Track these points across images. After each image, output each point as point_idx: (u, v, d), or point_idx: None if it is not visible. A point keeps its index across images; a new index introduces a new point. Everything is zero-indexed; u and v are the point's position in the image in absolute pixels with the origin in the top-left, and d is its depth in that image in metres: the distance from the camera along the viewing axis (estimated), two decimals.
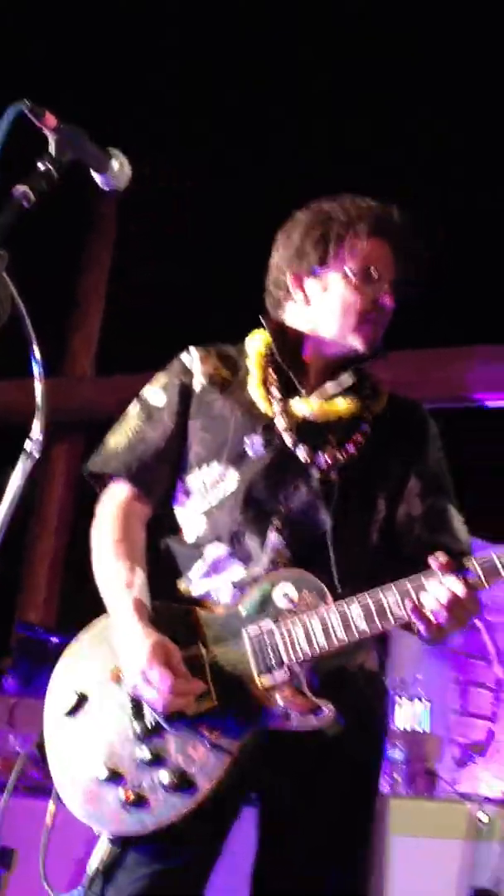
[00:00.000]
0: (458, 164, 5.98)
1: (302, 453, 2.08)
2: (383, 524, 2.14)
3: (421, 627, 1.89)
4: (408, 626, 1.95)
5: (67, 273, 7.02)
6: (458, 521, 2.19)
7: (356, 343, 2.14)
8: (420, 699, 4.90)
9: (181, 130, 6.37)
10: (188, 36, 6.10)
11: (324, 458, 2.09)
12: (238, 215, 6.23)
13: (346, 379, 2.17)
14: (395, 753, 4.10)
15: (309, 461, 2.08)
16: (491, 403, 5.64)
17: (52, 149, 1.74)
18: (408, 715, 4.75)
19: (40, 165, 1.72)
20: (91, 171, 1.84)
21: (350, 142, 5.75)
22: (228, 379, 2.20)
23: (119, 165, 1.85)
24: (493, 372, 5.54)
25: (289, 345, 2.18)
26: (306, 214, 2.20)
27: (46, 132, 1.75)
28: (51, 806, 1.97)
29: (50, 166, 1.73)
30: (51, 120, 1.75)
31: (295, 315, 2.21)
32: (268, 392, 2.15)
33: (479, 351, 5.63)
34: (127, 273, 7.02)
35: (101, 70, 6.04)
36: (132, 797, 1.87)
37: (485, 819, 3.97)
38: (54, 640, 4.77)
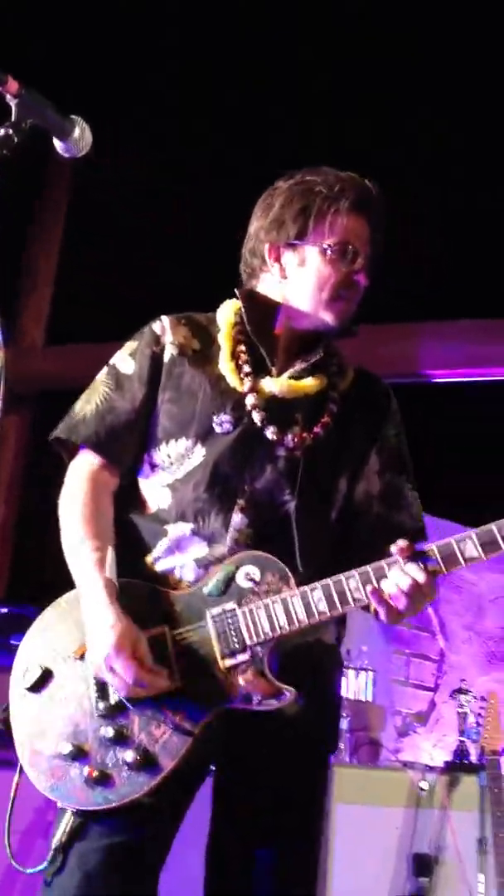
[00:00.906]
0: (458, 165, 5.99)
1: (270, 432, 2.06)
2: (342, 502, 2.13)
3: (381, 612, 1.90)
4: (366, 607, 1.96)
5: (17, 242, 6.92)
6: (414, 500, 2.18)
7: (328, 318, 2.12)
8: (364, 670, 4.97)
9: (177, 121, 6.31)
10: (188, 36, 6.04)
11: (291, 438, 2.07)
12: (191, 186, 6.20)
13: (315, 356, 2.14)
14: (340, 723, 4.16)
15: (276, 440, 2.06)
16: (438, 379, 5.70)
17: (13, 114, 1.72)
18: (352, 685, 4.82)
19: (0, 130, 1.70)
20: (52, 137, 1.82)
21: (350, 142, 5.70)
22: (198, 350, 2.16)
23: (80, 132, 1.83)
24: (440, 348, 5.59)
25: (260, 315, 2.15)
26: (288, 185, 2.16)
27: (8, 97, 1.73)
28: (15, 778, 1.96)
29: (10, 131, 1.71)
30: (13, 85, 1.72)
31: (269, 286, 2.18)
32: (238, 367, 2.12)
33: (426, 327, 5.67)
34: (79, 243, 6.94)
35: (102, 70, 5.95)
36: (96, 774, 1.87)
37: (425, 787, 4.05)
38: (3, 610, 4.74)
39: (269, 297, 2.18)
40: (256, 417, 2.08)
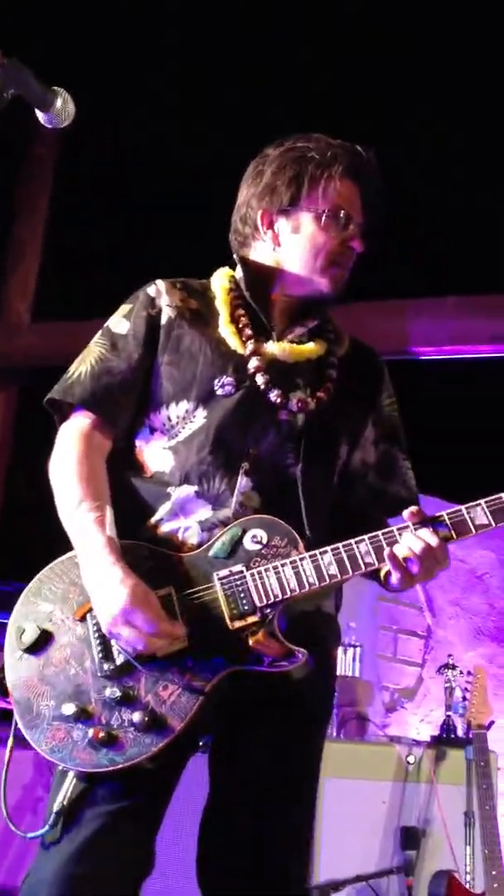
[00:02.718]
0: (447, 142, 5.96)
1: (273, 395, 2.03)
2: (341, 469, 2.10)
3: (394, 575, 1.89)
4: (376, 573, 1.95)
5: (2, 216, 6.86)
6: (408, 470, 2.17)
7: (323, 285, 2.08)
8: (352, 646, 4.99)
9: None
10: (188, 36, 5.98)
11: (295, 402, 2.04)
12: (193, 159, 6.16)
13: (313, 322, 2.12)
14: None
15: (280, 403, 2.03)
16: (425, 357, 5.69)
17: None
18: (340, 661, 4.84)
19: None
20: (34, 108, 1.79)
21: (350, 142, 5.65)
22: (196, 312, 2.12)
23: (62, 103, 1.80)
24: (426, 325, 5.58)
25: (256, 281, 2.11)
26: (279, 152, 2.12)
27: None
28: (10, 741, 1.91)
29: None
30: None
31: (262, 254, 2.14)
32: (239, 331, 2.08)
33: (411, 305, 5.66)
34: (65, 217, 6.89)
35: (102, 70, 5.89)
36: (102, 735, 1.83)
37: (413, 761, 4.07)
38: None
39: (263, 264, 2.13)
40: (260, 380, 2.04)
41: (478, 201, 5.81)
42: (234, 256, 2.19)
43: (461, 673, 4.57)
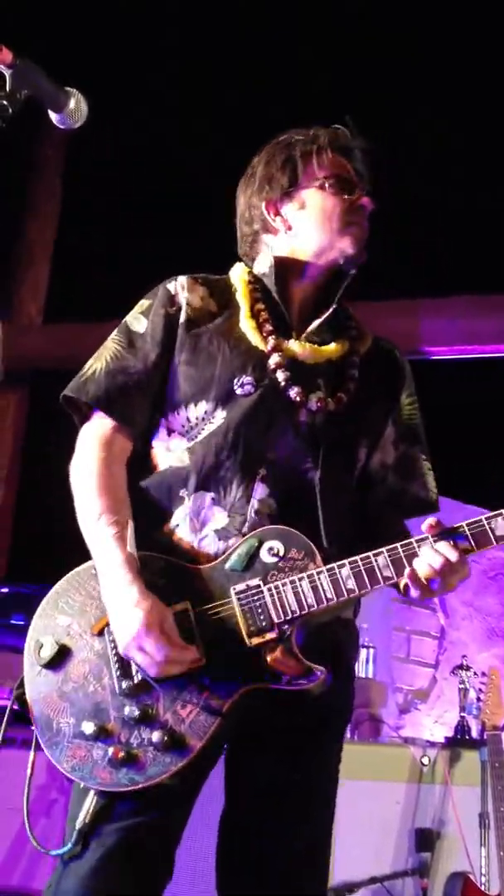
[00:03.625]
0: (458, 139, 5.95)
1: (293, 392, 1.98)
2: (360, 471, 2.07)
3: (413, 591, 1.84)
4: (395, 585, 1.90)
5: (14, 219, 6.87)
6: (428, 471, 2.12)
7: (346, 244, 2.04)
8: (365, 647, 4.97)
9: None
10: (188, 36, 5.99)
11: (315, 402, 2.00)
12: (194, 160, 6.17)
13: (326, 312, 2.07)
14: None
15: (300, 402, 1.99)
16: (436, 356, 5.67)
17: (7, 84, 1.68)
18: None
19: None
20: (47, 109, 1.78)
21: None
22: (215, 312, 2.08)
23: (75, 104, 1.79)
24: (438, 324, 5.56)
25: (281, 273, 2.08)
26: (263, 151, 2.13)
27: (2, 68, 1.68)
28: (31, 756, 1.90)
29: (5, 102, 1.67)
30: (7, 55, 1.68)
31: (277, 246, 2.10)
32: (259, 326, 2.04)
33: (423, 304, 5.64)
34: (76, 218, 6.90)
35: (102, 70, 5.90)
36: (122, 755, 1.81)
37: (427, 763, 4.06)
38: (4, 590, 4.74)
39: (282, 256, 2.10)
40: (280, 377, 1.99)
41: (490, 201, 5.80)
42: (245, 257, 2.16)
43: (475, 674, 4.55)
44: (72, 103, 1.78)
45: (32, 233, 6.90)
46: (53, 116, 1.80)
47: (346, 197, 2.07)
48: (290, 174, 2.09)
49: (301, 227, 2.09)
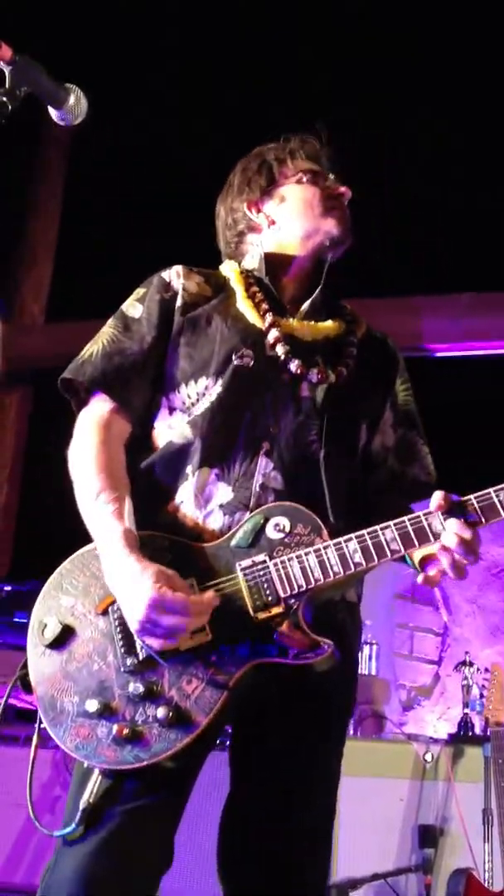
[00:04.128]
0: (460, 140, 5.95)
1: (293, 365, 2.00)
2: (362, 452, 2.07)
3: (442, 563, 1.82)
4: (402, 558, 1.91)
5: (16, 219, 6.87)
6: (427, 454, 2.15)
7: (330, 225, 2.10)
8: (367, 643, 4.97)
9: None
10: (188, 36, 5.99)
11: (315, 373, 2.01)
12: (194, 160, 6.16)
13: (320, 294, 2.10)
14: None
15: (299, 374, 2.00)
16: (439, 354, 5.67)
17: (7, 81, 1.68)
18: None
19: None
20: (47, 105, 1.78)
21: (351, 138, 5.65)
22: (211, 296, 2.11)
23: (75, 100, 1.79)
24: (440, 322, 5.56)
25: (271, 267, 2.12)
26: (237, 164, 2.23)
27: (2, 64, 1.68)
28: (35, 738, 1.89)
29: (4, 99, 1.67)
30: (6, 51, 1.67)
31: (264, 242, 2.16)
32: (256, 305, 2.07)
33: (427, 301, 5.64)
34: (78, 217, 6.90)
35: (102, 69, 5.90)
36: (126, 732, 1.79)
37: (430, 759, 4.06)
38: (7, 588, 4.74)
39: (276, 252, 2.14)
40: (280, 350, 2.01)
41: (491, 198, 5.80)
42: (230, 258, 2.21)
43: (478, 670, 4.55)
44: (71, 100, 1.78)
45: (34, 233, 6.90)
46: (53, 113, 1.79)
47: (324, 185, 2.14)
48: (268, 175, 2.17)
49: (284, 219, 2.14)
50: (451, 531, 1.80)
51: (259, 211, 2.16)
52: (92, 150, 6.37)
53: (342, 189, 2.14)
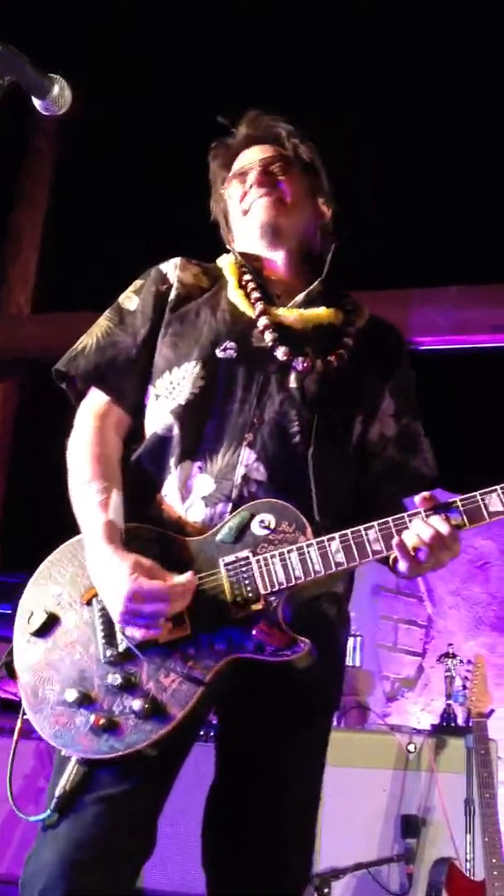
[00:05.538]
0: (449, 134, 5.95)
1: (280, 353, 1.99)
2: (357, 443, 2.05)
3: (402, 564, 1.84)
4: (385, 560, 1.91)
5: (3, 209, 6.84)
6: (428, 446, 2.13)
7: (254, 222, 2.12)
8: (352, 635, 4.98)
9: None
10: (188, 32, 5.98)
11: (301, 361, 1.99)
12: (184, 150, 6.15)
13: (319, 286, 2.08)
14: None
15: (286, 361, 1.99)
16: (426, 346, 5.67)
17: None
18: None
19: None
20: (31, 96, 1.78)
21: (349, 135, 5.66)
22: (205, 287, 2.12)
23: (59, 91, 1.78)
24: (427, 315, 5.56)
25: (250, 263, 2.13)
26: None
27: None
28: (18, 723, 1.91)
29: None
30: None
31: (236, 238, 2.20)
32: (247, 295, 2.07)
33: (413, 294, 5.64)
34: (65, 207, 6.87)
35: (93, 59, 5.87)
36: (103, 721, 1.81)
37: (413, 750, 4.07)
38: None
39: (246, 251, 2.16)
40: (268, 338, 2.01)
41: (480, 190, 5.80)
42: (229, 246, 2.22)
43: (461, 662, 4.57)
44: (55, 90, 1.78)
45: (21, 223, 6.87)
46: (37, 103, 1.79)
47: (241, 183, 2.16)
48: (218, 182, 2.23)
49: (233, 220, 2.20)
50: (431, 523, 1.80)
51: (223, 213, 2.23)
52: (80, 140, 6.34)
53: (249, 183, 2.14)
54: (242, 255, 2.14)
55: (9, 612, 4.36)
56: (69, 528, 2.02)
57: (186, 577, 1.84)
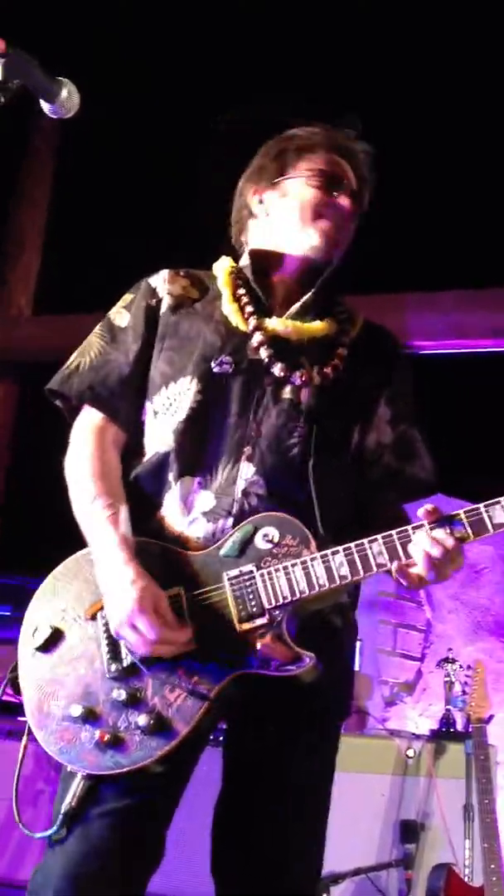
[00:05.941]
0: (447, 137, 5.95)
1: (277, 369, 1.98)
2: (355, 453, 2.04)
3: (403, 581, 1.83)
4: (389, 572, 1.87)
5: (4, 210, 6.84)
6: (426, 452, 2.11)
7: (311, 237, 2.05)
8: None
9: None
10: (188, 31, 5.97)
11: (299, 376, 1.98)
12: (186, 151, 6.15)
13: (312, 297, 2.07)
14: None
15: (283, 377, 1.98)
16: (424, 351, 5.67)
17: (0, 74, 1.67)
18: None
19: None
20: (39, 99, 1.77)
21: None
22: (197, 299, 2.10)
23: (68, 94, 1.78)
24: (426, 319, 5.56)
25: (258, 264, 2.10)
26: (265, 145, 2.17)
27: None
28: (24, 740, 1.90)
29: None
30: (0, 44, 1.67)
31: (257, 231, 2.14)
32: (241, 308, 2.05)
33: (410, 298, 5.63)
34: (67, 208, 6.86)
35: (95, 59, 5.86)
36: (108, 737, 1.81)
37: (412, 755, 4.07)
38: None
39: (261, 249, 2.12)
40: (263, 354, 1.99)
41: (477, 195, 5.80)
42: (235, 243, 2.19)
43: (461, 667, 4.56)
44: (64, 93, 1.78)
45: (22, 224, 6.86)
46: (45, 107, 1.79)
47: (324, 189, 2.08)
48: (280, 166, 2.12)
49: (278, 214, 2.11)
50: (435, 537, 1.79)
51: (261, 200, 2.14)
52: (80, 140, 6.33)
53: (341, 200, 2.08)
54: (256, 252, 2.11)
55: (8, 614, 4.35)
56: (68, 531, 2.02)
57: (185, 631, 1.84)
